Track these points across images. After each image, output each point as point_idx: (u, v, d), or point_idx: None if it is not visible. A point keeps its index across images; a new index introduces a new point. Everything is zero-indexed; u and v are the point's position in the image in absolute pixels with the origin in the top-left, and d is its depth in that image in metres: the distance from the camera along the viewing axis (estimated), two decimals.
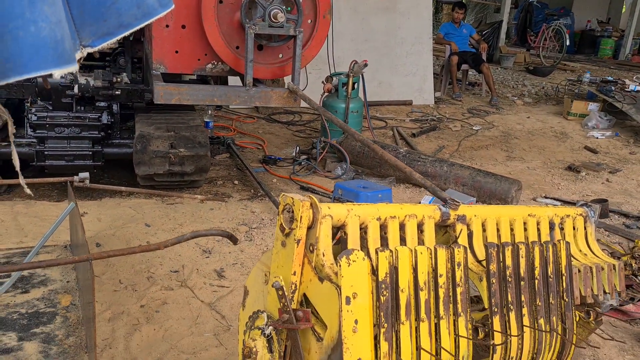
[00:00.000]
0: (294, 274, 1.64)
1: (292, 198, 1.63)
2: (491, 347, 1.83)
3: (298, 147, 5.38)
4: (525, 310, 1.95)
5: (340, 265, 1.51)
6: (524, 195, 4.68)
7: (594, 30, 15.41)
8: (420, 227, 1.85)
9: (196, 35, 3.09)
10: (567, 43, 12.35)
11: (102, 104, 4.02)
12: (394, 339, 1.61)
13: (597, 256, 2.32)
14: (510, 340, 1.87)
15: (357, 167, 5.07)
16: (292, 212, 1.62)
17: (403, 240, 1.79)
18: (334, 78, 5.23)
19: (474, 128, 7.04)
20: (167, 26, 3.01)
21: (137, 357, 2.42)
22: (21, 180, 1.13)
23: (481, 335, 1.88)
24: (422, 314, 1.68)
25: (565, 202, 4.59)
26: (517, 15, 15.37)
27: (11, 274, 2.91)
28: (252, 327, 1.74)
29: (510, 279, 1.92)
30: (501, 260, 1.91)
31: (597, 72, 11.06)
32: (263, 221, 3.89)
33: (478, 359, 2.00)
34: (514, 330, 1.89)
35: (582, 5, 16.21)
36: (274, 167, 5.10)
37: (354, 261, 1.54)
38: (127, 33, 1.13)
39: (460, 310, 1.76)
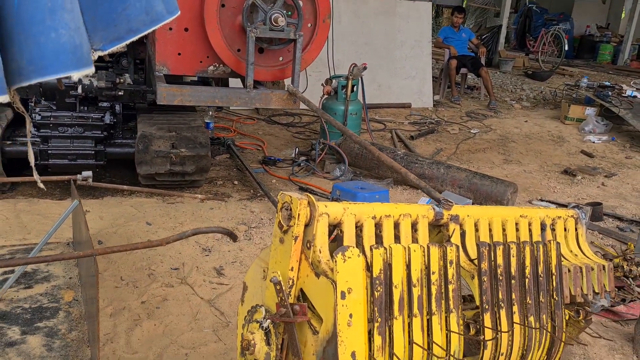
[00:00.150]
0: (292, 269, 1.70)
1: (290, 196, 1.69)
2: (482, 342, 1.89)
3: (297, 149, 5.44)
4: (515, 308, 2.01)
5: (336, 262, 1.58)
6: (519, 198, 4.74)
7: (593, 35, 15.50)
8: (414, 226, 1.91)
9: (198, 38, 3.16)
10: (566, 48, 12.44)
11: (105, 104, 4.08)
12: (387, 333, 1.67)
13: (587, 257, 2.38)
14: (501, 337, 1.93)
15: (356, 168, 5.13)
16: (290, 209, 1.68)
17: (397, 239, 1.85)
18: (334, 80, 5.30)
19: (472, 131, 7.10)
20: (171, 29, 3.08)
21: (138, 351, 2.48)
22: (35, 175, 1.19)
23: (472, 331, 1.94)
24: (415, 310, 1.74)
25: (560, 205, 4.65)
26: (516, 20, 15.46)
27: (15, 269, 2.98)
28: (251, 321, 1.80)
29: (501, 278, 1.98)
30: (492, 259, 1.97)
31: (596, 77, 11.13)
32: (262, 221, 3.95)
33: (470, 355, 2.06)
34: (504, 327, 1.95)
35: (582, 10, 16.31)
36: (273, 168, 5.16)
37: (349, 257, 1.60)
38: (135, 38, 1.19)
39: (452, 306, 1.82)
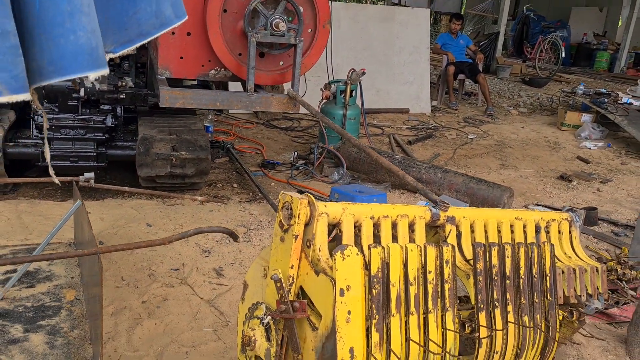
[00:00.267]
0: (292, 267, 1.75)
1: (291, 196, 1.74)
2: (477, 340, 1.93)
3: (296, 152, 5.49)
4: (510, 308, 2.05)
5: (335, 260, 1.62)
6: (515, 203, 4.79)
7: (590, 43, 15.60)
8: (411, 227, 1.96)
9: (200, 42, 3.21)
10: (563, 55, 12.53)
11: (107, 107, 4.13)
12: (384, 330, 1.72)
13: (581, 259, 2.43)
14: (495, 335, 1.98)
15: (354, 172, 5.18)
16: (291, 209, 1.73)
17: (395, 239, 1.90)
18: (333, 85, 5.35)
19: (469, 137, 7.16)
20: (173, 33, 3.13)
21: (139, 350, 2.52)
22: (50, 170, 1.23)
23: (467, 330, 1.98)
24: (412, 308, 1.78)
25: (556, 210, 4.70)
26: (514, 27, 15.57)
27: (17, 269, 3.02)
28: (252, 318, 1.84)
29: (496, 278, 2.02)
30: (488, 259, 2.02)
31: (592, 84, 11.22)
32: (261, 223, 3.99)
33: (465, 355, 2.11)
34: (499, 325, 2.00)
35: (579, 18, 16.43)
36: (272, 171, 5.21)
37: (348, 256, 1.65)
38: (145, 41, 1.24)
39: (447, 305, 1.87)
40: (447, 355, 1.84)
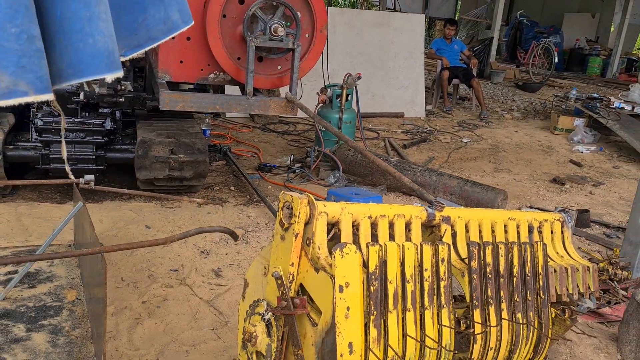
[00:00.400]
0: (292, 265, 1.80)
1: (292, 196, 1.79)
2: (472, 336, 1.99)
3: (292, 156, 5.55)
4: (504, 305, 2.11)
5: (334, 257, 1.68)
6: (509, 205, 4.86)
7: (583, 48, 15.75)
8: (408, 226, 2.01)
9: (200, 46, 3.26)
10: (556, 60, 12.64)
11: (105, 110, 4.17)
12: (382, 326, 1.77)
13: (573, 258, 2.49)
14: (490, 331, 2.03)
15: (350, 175, 5.24)
16: (291, 208, 1.78)
17: (392, 238, 1.95)
18: (329, 89, 5.41)
19: (463, 140, 7.24)
20: (173, 38, 3.16)
21: (140, 348, 2.56)
22: (68, 169, 1.28)
23: (462, 327, 2.04)
24: (409, 304, 1.84)
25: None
26: (507, 33, 15.69)
27: (18, 270, 3.05)
28: (253, 314, 1.89)
29: (490, 276, 2.08)
30: (482, 258, 2.07)
31: (585, 89, 11.33)
32: (259, 225, 4.04)
33: (460, 352, 2.16)
34: (493, 322, 2.06)
35: (572, 24, 16.58)
36: (269, 174, 5.26)
37: (347, 254, 1.70)
38: (154, 45, 1.30)
39: (443, 302, 1.92)
40: (443, 350, 1.89)
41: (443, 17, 17.65)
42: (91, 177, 3.31)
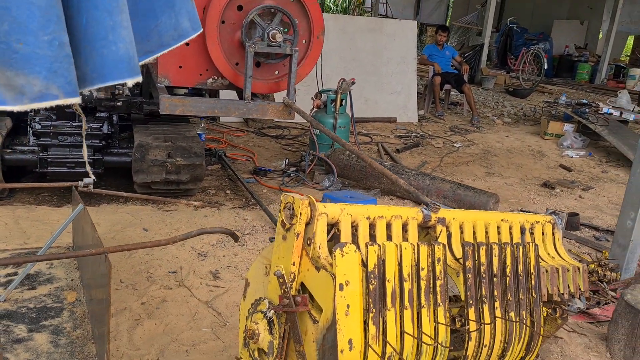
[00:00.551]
0: (293, 264, 1.86)
1: (293, 197, 1.85)
2: (466, 333, 2.05)
3: (287, 160, 5.60)
4: (497, 304, 2.18)
5: (335, 256, 1.74)
6: (501, 209, 4.94)
7: (572, 55, 15.95)
8: (404, 227, 2.08)
9: (199, 52, 3.32)
10: (546, 67, 12.80)
11: (103, 114, 4.21)
12: (381, 323, 1.83)
13: (564, 259, 2.56)
14: (484, 329, 2.09)
15: (344, 179, 5.30)
16: (293, 209, 1.84)
17: (389, 238, 2.02)
18: (323, 94, 5.48)
19: (455, 145, 7.33)
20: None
21: (141, 348, 2.60)
22: (88, 168, 1.33)
23: (458, 324, 2.10)
24: (406, 302, 1.90)
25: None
26: (498, 39, 15.87)
27: (17, 272, 3.08)
28: (255, 312, 1.94)
29: (484, 275, 2.15)
30: (476, 258, 2.14)
31: (574, 95, 11.50)
32: (255, 228, 4.09)
33: (454, 351, 2.22)
34: (487, 320, 2.12)
35: (561, 31, 16.80)
36: (264, 178, 5.31)
37: (347, 253, 1.76)
38: (165, 51, 1.35)
39: (439, 300, 1.99)
40: (439, 347, 1.95)
41: (434, 23, 17.84)
42: (90, 180, 3.34)
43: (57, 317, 2.69)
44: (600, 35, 16.90)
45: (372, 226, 1.99)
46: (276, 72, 3.51)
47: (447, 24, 17.29)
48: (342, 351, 1.72)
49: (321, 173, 5.31)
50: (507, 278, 2.23)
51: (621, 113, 8.12)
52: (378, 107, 8.13)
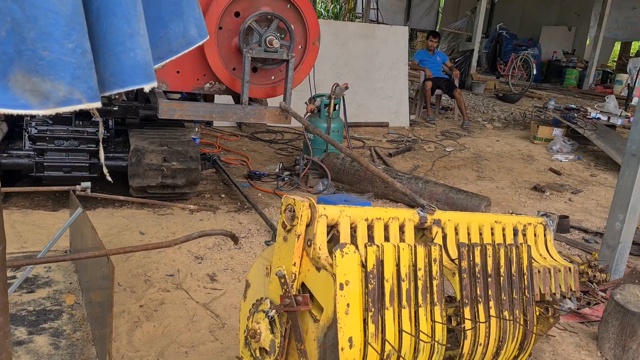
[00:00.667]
0: (294, 264, 1.90)
1: (294, 199, 1.90)
2: (462, 332, 2.10)
3: (281, 164, 5.64)
4: (492, 303, 2.23)
5: (335, 257, 1.79)
6: (492, 212, 5.01)
7: (560, 60, 16.15)
8: (401, 229, 2.13)
9: (196, 57, 3.36)
10: (534, 72, 12.97)
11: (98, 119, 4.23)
12: (379, 321, 1.88)
13: (555, 259, 2.63)
14: (479, 327, 2.15)
15: (338, 183, 5.35)
16: (294, 211, 1.89)
17: (387, 239, 2.07)
18: (317, 99, 5.53)
19: (446, 149, 7.41)
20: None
21: (140, 350, 2.62)
22: (105, 170, 1.37)
23: (453, 323, 2.16)
24: (404, 302, 1.95)
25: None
26: (487, 45, 16.04)
27: (16, 275, 3.09)
28: (256, 312, 1.98)
29: (479, 275, 2.21)
30: (471, 258, 2.20)
31: (562, 100, 11.65)
32: (250, 231, 4.12)
33: (450, 350, 2.27)
34: (482, 319, 2.18)
35: (549, 36, 17.02)
36: (258, 182, 5.35)
37: (346, 253, 1.81)
38: (173, 58, 1.40)
39: (436, 300, 2.04)
40: (436, 345, 2.00)
41: (425, 29, 18.01)
42: (88, 184, 3.38)
43: (56, 320, 2.71)
44: (588, 41, 17.12)
45: (370, 227, 2.04)
46: (272, 77, 3.56)
47: (437, 30, 17.47)
48: (342, 349, 1.76)
49: (315, 177, 5.36)
50: (501, 278, 2.28)
51: (609, 118, 8.25)
52: (370, 111, 8.21)
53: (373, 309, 1.86)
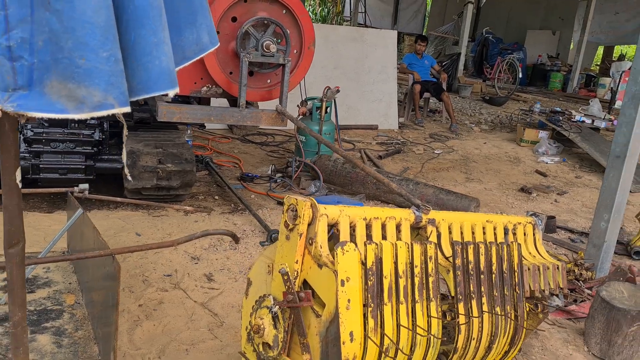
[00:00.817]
0: (297, 262, 1.97)
1: (296, 199, 1.97)
2: (456, 326, 2.19)
3: (273, 166, 5.71)
4: (484, 299, 2.32)
5: (336, 254, 1.86)
6: (481, 212, 5.12)
7: (545, 64, 16.41)
8: (398, 227, 2.21)
9: (194, 61, 3.42)
10: (520, 75, 13.17)
11: (94, 121, 4.27)
12: (378, 316, 1.96)
13: (544, 257, 2.73)
14: (472, 322, 2.24)
15: (330, 185, 5.43)
16: (296, 210, 1.96)
17: (384, 238, 2.15)
18: (309, 102, 5.61)
19: (435, 152, 7.53)
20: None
21: (142, 348, 2.68)
22: (125, 170, 1.43)
23: (448, 318, 2.24)
24: (402, 297, 2.03)
25: None
26: (474, 49, 16.25)
27: None
28: (259, 308, 2.05)
29: (472, 272, 2.29)
30: (465, 256, 2.29)
31: (547, 103, 11.86)
32: (245, 232, 4.18)
33: (444, 345, 2.36)
34: (475, 314, 2.26)
35: (534, 40, 17.28)
36: (251, 184, 5.41)
37: (347, 251, 1.89)
38: (187, 64, 1.47)
39: (431, 295, 2.12)
40: (432, 338, 2.09)
41: (412, 33, 18.19)
42: (85, 186, 3.41)
43: (58, 319, 2.75)
44: (572, 46, 17.42)
45: (368, 227, 2.12)
46: (268, 81, 3.63)
47: (424, 34, 17.64)
48: (344, 343, 1.84)
49: (307, 179, 5.44)
50: (493, 275, 2.38)
51: (593, 121, 8.44)
52: (360, 114, 8.30)
53: (372, 305, 1.94)
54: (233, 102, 3.81)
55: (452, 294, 2.26)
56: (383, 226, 2.17)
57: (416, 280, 2.09)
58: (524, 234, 2.72)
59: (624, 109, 3.60)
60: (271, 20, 3.36)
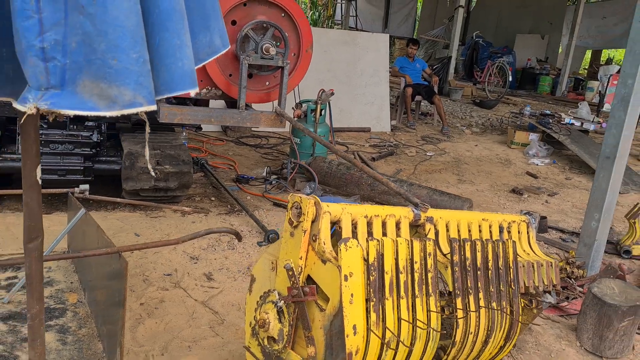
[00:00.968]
0: (301, 258, 2.04)
1: (300, 197, 2.03)
2: (454, 321, 2.26)
3: (268, 168, 5.76)
4: (481, 294, 2.40)
5: (340, 250, 1.92)
6: None
7: (534, 68, 16.61)
8: (397, 225, 2.28)
9: None
10: (510, 79, 13.33)
11: (92, 123, 4.30)
12: (380, 311, 2.02)
13: (538, 255, 2.81)
14: (470, 317, 2.31)
15: (324, 186, 5.49)
16: (300, 208, 2.02)
17: (384, 235, 2.21)
18: (304, 105, 5.68)
19: (427, 154, 7.62)
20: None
21: (145, 345, 2.72)
22: (149, 166, 1.48)
23: (447, 313, 2.31)
24: (402, 292, 2.10)
25: None
26: (464, 52, 16.41)
27: (17, 275, 3.16)
28: (264, 303, 2.11)
29: (469, 269, 2.37)
30: (462, 253, 2.36)
31: (537, 106, 12.01)
32: (242, 232, 4.23)
33: (443, 340, 2.43)
34: (472, 309, 2.34)
35: (523, 44, 17.48)
36: (246, 185, 5.45)
37: (350, 247, 1.96)
38: (200, 65, 1.53)
39: (430, 290, 2.19)
40: (432, 331, 2.15)
41: (402, 36, 18.32)
42: (86, 186, 3.46)
43: (61, 317, 2.79)
44: (560, 49, 17.64)
45: (369, 224, 2.19)
46: (267, 83, 3.69)
47: (415, 37, 17.77)
48: (347, 336, 1.90)
49: (302, 180, 5.50)
50: (489, 271, 2.45)
51: (582, 123, 8.58)
52: (352, 117, 8.38)
53: (374, 299, 2.00)
54: (230, 103, 3.87)
55: (450, 289, 2.33)
56: (383, 224, 2.23)
57: (416, 275, 2.16)
58: (519, 232, 2.80)
59: (613, 111, 3.69)
60: (270, 23, 3.43)
